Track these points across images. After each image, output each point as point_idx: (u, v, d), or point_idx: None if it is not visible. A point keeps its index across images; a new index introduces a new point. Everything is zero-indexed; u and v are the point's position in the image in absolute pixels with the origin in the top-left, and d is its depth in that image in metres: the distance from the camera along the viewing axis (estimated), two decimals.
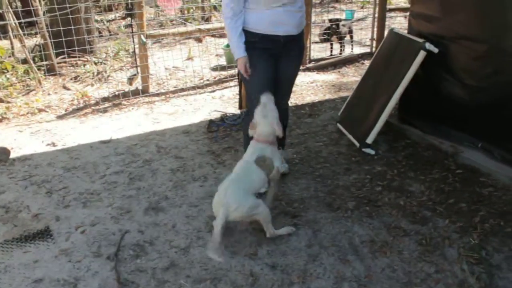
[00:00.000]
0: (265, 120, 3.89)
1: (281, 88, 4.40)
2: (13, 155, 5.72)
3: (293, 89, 4.81)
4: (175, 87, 8.44)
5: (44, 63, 8.61)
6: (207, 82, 8.68)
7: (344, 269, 3.60)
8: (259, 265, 3.61)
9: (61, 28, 7.64)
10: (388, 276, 3.58)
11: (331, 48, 9.76)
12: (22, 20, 8.49)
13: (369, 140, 5.25)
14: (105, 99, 7.76)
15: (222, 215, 3.43)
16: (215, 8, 14.17)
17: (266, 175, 3.84)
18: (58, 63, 8.96)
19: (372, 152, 5.24)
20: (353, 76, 8.58)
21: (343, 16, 11.99)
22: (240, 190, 3.61)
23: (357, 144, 5.41)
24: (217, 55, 10.60)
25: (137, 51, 7.63)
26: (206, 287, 3.47)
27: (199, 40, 11.59)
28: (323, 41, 10.61)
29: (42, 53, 8.42)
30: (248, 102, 4.69)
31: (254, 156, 3.85)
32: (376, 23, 9.40)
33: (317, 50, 10.04)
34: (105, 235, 3.99)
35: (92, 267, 3.66)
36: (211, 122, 6.39)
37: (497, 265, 3.67)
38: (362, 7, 16.11)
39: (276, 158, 3.95)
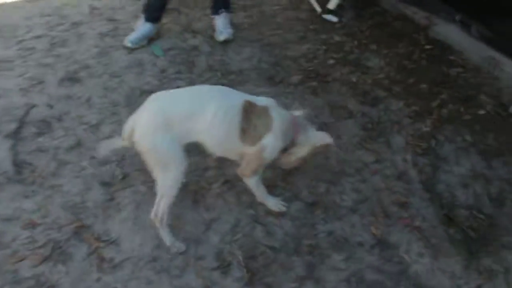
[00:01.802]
0: None
1: None
2: None
3: None
4: None
5: None
6: None
7: None
8: None
9: None
10: (318, 164, 3.08)
11: None
12: None
13: (331, 5, 4.41)
14: None
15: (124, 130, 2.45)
16: None
17: (237, 137, 2.49)
18: None
19: (334, 19, 4.44)
20: None
21: None
22: (164, 116, 2.34)
23: (319, 10, 4.56)
24: None
25: None
26: (111, 169, 2.99)
27: None
28: None
29: None
30: None
31: (261, 102, 2.57)
32: None
33: None
34: (9, 110, 3.34)
35: None
36: None
37: (444, 157, 3.17)
38: None
39: (273, 140, 2.54)
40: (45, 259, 2.55)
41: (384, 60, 3.90)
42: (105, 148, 2.62)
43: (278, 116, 2.55)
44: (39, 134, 3.16)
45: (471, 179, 3.04)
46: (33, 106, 3.33)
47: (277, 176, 2.99)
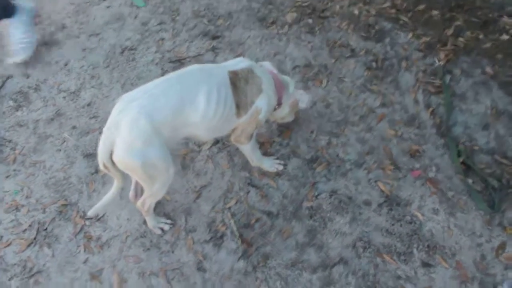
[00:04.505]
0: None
1: None
2: None
3: None
4: None
5: None
6: None
7: None
8: None
9: None
10: (319, 113, 2.63)
11: None
12: None
13: None
14: None
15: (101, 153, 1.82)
16: None
17: (233, 115, 2.03)
18: None
19: None
20: None
21: None
22: (150, 122, 1.77)
23: None
24: None
25: None
26: (94, 138, 2.62)
27: None
28: None
29: None
30: None
31: (241, 65, 2.07)
32: None
33: None
34: None
35: None
36: None
37: (461, 94, 2.66)
38: None
39: (267, 99, 2.09)
40: (31, 243, 2.29)
41: None
42: (97, 210, 2.02)
43: (264, 75, 2.09)
44: (17, 107, 2.81)
45: (492, 118, 2.55)
46: (9, 77, 2.94)
47: (273, 131, 2.57)
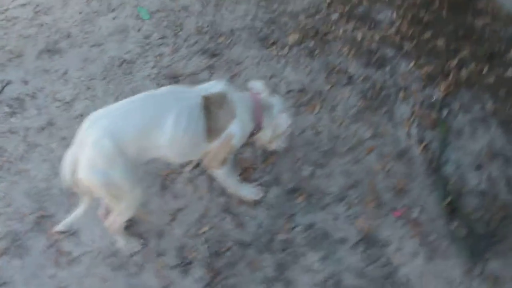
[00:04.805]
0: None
1: None
2: None
3: None
4: None
5: None
6: None
7: None
8: None
9: None
10: (307, 140, 2.56)
11: None
12: None
13: None
14: None
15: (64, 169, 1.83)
16: None
17: (204, 140, 1.98)
18: None
19: None
20: None
21: None
22: (114, 142, 1.75)
23: None
24: None
25: None
26: None
27: None
28: None
29: None
30: None
31: (214, 89, 2.02)
32: None
33: None
34: None
35: None
36: None
37: (458, 130, 2.54)
38: None
39: (240, 124, 2.03)
40: (3, 253, 2.29)
41: (397, 12, 3.17)
42: (65, 225, 2.07)
43: (239, 99, 2.04)
44: (12, 113, 2.84)
45: (487, 158, 2.42)
46: (8, 82, 2.99)
47: (257, 157, 2.51)
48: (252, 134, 2.18)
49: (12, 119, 2.82)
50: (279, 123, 2.17)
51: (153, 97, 1.89)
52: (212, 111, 1.93)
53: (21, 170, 2.59)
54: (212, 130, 1.95)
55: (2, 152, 2.67)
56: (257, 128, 2.15)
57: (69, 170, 1.79)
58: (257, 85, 2.19)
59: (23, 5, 3.53)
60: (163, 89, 1.96)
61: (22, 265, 2.25)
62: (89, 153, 1.73)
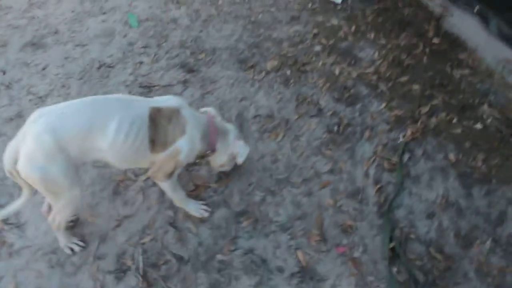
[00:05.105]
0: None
1: None
2: None
3: None
4: None
5: None
6: None
7: None
8: None
9: None
10: (264, 167, 2.58)
11: None
12: None
13: None
14: None
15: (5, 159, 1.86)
16: None
17: (146, 150, 2.01)
18: None
19: (338, 0, 3.73)
20: None
21: None
22: (55, 138, 1.79)
23: None
24: None
25: None
26: None
27: None
28: None
29: None
30: None
31: (169, 103, 2.07)
32: None
33: None
34: None
35: None
36: None
37: (416, 177, 2.55)
38: None
39: (189, 141, 2.07)
40: None
41: (379, 52, 3.22)
42: (2, 215, 2.07)
43: (192, 117, 2.08)
44: None
45: (440, 208, 2.42)
46: None
47: (212, 176, 2.53)
48: (205, 155, 2.21)
49: None
50: (236, 151, 2.21)
51: (102, 101, 1.93)
52: (159, 123, 1.97)
53: None
54: (157, 141, 1.98)
55: None
56: (210, 149, 2.18)
57: (9, 161, 1.82)
58: (210, 111, 2.23)
59: None
60: (115, 95, 2.01)
61: None
62: (29, 146, 1.77)
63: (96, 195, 2.46)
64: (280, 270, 2.19)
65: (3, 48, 3.18)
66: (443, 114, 2.83)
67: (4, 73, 3.04)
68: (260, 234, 2.32)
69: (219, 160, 2.28)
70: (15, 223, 2.37)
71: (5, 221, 2.36)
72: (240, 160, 2.26)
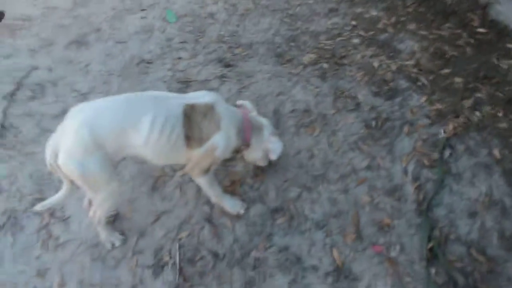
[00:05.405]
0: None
1: None
2: None
3: None
4: None
5: None
6: None
7: None
8: None
9: None
10: (300, 163, 2.57)
11: None
12: None
13: None
14: None
15: (47, 154, 1.95)
16: None
17: (182, 146, 2.05)
18: None
19: None
20: None
21: None
22: (92, 134, 1.86)
23: None
24: None
25: None
26: None
27: None
28: None
29: None
30: None
31: (203, 99, 2.09)
32: None
33: None
34: (12, 71, 3.25)
35: None
36: None
37: (457, 174, 2.47)
38: None
39: (225, 137, 2.09)
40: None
41: (421, 43, 3.11)
42: (43, 206, 2.14)
43: (226, 112, 2.09)
44: (32, 98, 3.04)
45: (483, 206, 2.33)
46: (34, 67, 3.20)
47: (248, 172, 2.55)
48: (239, 150, 2.23)
49: (31, 103, 3.01)
50: (270, 147, 2.22)
51: (136, 99, 1.99)
52: (193, 120, 2.00)
53: (30, 153, 2.77)
54: (192, 138, 2.01)
55: (16, 133, 2.86)
56: (245, 144, 2.20)
57: (50, 156, 1.91)
58: (246, 105, 2.24)
59: None
60: (150, 92, 2.06)
61: (13, 241, 2.41)
62: (68, 141, 1.85)
63: (135, 190, 2.54)
64: (315, 268, 2.20)
65: (50, 47, 3.32)
66: (487, 108, 2.72)
67: (51, 70, 3.17)
68: (295, 231, 2.32)
69: (254, 155, 2.30)
70: (61, 217, 2.48)
71: (52, 214, 2.48)
72: (273, 156, 2.27)
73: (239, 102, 2.27)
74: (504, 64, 2.92)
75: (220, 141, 2.07)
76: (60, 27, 3.48)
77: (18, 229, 2.46)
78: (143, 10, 3.49)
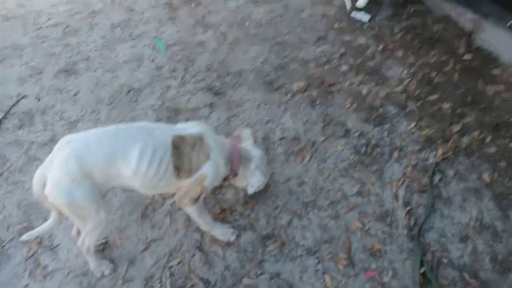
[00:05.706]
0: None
1: None
2: None
3: None
4: None
5: None
6: None
7: None
8: None
9: None
10: (290, 190, 2.59)
11: None
12: None
13: (360, 3, 3.71)
14: None
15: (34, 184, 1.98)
16: None
17: (171, 177, 2.06)
18: None
19: (365, 18, 3.75)
20: None
21: None
22: (80, 165, 1.87)
23: (348, 6, 3.90)
24: None
25: None
26: None
27: None
28: None
29: None
30: None
31: (192, 130, 2.12)
32: None
33: None
34: (0, 99, 3.28)
35: None
36: None
37: (448, 198, 2.50)
38: None
39: (214, 167, 2.12)
40: None
41: (408, 70, 3.20)
42: (30, 236, 2.16)
43: (215, 143, 2.13)
44: (20, 126, 3.06)
45: (474, 230, 2.36)
46: (23, 97, 3.22)
47: (239, 200, 2.56)
48: (227, 178, 2.26)
49: (19, 132, 3.03)
50: (251, 181, 2.25)
51: (125, 130, 2.01)
52: (182, 150, 2.02)
53: (17, 181, 2.76)
54: (181, 168, 2.04)
55: (4, 161, 2.86)
56: (232, 174, 2.23)
57: (38, 185, 1.93)
58: (245, 133, 2.28)
59: (55, 25, 3.83)
60: (139, 123, 2.09)
61: (0, 271, 2.38)
62: (56, 172, 1.87)
63: (124, 218, 2.53)
64: None
65: (39, 76, 3.36)
66: (475, 133, 2.77)
67: (39, 99, 3.20)
68: (286, 258, 2.32)
69: (240, 184, 2.33)
70: (49, 245, 2.46)
71: (40, 243, 2.46)
72: (250, 190, 2.28)
73: (238, 130, 2.31)
74: (490, 90, 3.00)
75: (209, 171, 2.09)
76: (49, 55, 3.53)
77: (4, 259, 2.43)
78: (133, 39, 3.55)
